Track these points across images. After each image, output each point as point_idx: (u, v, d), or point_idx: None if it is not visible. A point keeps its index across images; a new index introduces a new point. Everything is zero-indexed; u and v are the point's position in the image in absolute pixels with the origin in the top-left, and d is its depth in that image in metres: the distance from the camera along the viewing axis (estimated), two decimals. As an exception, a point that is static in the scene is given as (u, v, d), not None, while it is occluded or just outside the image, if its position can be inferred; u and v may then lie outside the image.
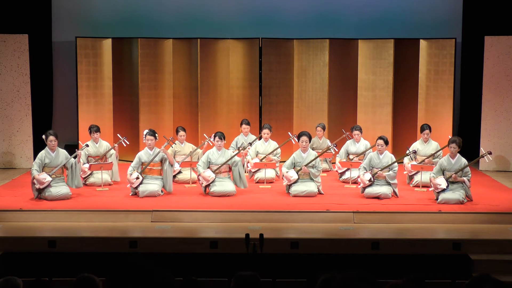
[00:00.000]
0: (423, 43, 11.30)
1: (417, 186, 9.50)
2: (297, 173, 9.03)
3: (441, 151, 9.75)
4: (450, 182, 8.60)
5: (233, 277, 3.80)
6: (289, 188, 9.05)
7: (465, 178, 8.56)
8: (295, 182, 9.01)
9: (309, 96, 11.70)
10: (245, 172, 10.07)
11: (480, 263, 7.13)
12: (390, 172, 8.87)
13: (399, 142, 11.25)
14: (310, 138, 9.32)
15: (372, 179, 8.85)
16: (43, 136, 8.89)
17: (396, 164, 8.97)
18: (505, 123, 11.04)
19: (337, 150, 10.10)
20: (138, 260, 3.20)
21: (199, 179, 9.12)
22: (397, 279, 4.00)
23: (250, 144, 10.07)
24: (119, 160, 10.17)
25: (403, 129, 11.44)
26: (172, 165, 9.10)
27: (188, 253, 7.28)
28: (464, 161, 8.70)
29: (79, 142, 10.35)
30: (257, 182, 9.87)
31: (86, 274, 3.69)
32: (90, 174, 9.57)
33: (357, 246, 7.39)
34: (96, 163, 9.57)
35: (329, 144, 10.26)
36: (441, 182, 8.55)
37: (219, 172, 9.11)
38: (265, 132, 10.34)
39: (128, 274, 3.13)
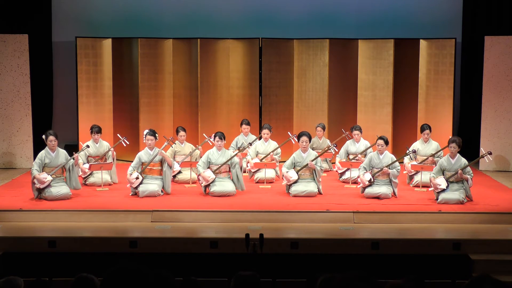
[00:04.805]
0: (423, 43, 11.29)
1: (417, 186, 9.50)
2: (297, 173, 9.03)
3: (441, 151, 9.74)
4: (450, 182, 8.61)
5: (233, 277, 3.80)
6: (289, 188, 9.04)
7: (468, 176, 8.58)
8: (295, 182, 9.01)
9: (309, 96, 11.69)
10: (245, 172, 10.08)
11: (480, 263, 7.12)
12: (394, 170, 8.88)
13: (399, 142, 11.24)
14: (310, 138, 9.32)
15: (372, 180, 8.85)
16: (43, 136, 8.89)
17: (397, 163, 8.96)
18: (505, 123, 11.03)
19: (337, 150, 10.10)
20: (133, 265, 3.18)
21: (199, 179, 9.12)
22: (397, 279, 3.99)
23: (250, 144, 10.06)
24: (117, 160, 10.17)
25: (403, 129, 11.44)
26: (170, 167, 9.09)
27: (188, 253, 7.28)
28: (464, 161, 8.71)
29: (79, 142, 10.35)
30: (257, 182, 9.87)
31: (85, 274, 3.67)
32: (90, 174, 9.57)
33: (357, 246, 7.39)
34: (96, 163, 9.56)
35: (329, 144, 10.26)
36: (441, 182, 8.55)
37: (219, 172, 9.11)
38: (265, 132, 10.34)
39: (125, 276, 3.11)
